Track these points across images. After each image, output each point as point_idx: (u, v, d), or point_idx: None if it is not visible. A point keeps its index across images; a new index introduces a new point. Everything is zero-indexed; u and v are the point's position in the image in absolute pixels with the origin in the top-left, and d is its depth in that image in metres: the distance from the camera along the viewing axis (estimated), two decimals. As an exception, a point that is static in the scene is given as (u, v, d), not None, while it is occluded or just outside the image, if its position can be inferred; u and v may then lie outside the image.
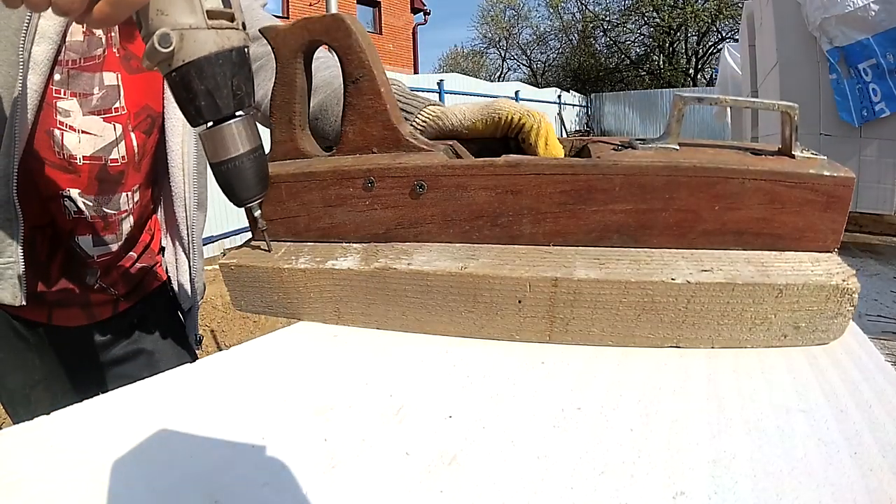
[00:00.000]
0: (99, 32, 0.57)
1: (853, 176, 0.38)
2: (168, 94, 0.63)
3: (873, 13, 2.01)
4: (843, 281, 0.36)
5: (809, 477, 0.25)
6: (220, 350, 1.00)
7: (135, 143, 0.62)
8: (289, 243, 0.48)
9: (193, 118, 0.37)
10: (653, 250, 0.40)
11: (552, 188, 0.40)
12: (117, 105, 0.59)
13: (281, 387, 0.36)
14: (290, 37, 0.45)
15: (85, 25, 0.55)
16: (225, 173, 0.39)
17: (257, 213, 0.44)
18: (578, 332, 0.39)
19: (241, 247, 0.51)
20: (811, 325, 0.37)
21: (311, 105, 0.50)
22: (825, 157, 0.40)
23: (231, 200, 0.41)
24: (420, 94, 0.55)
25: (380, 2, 12.50)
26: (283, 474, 0.27)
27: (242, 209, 0.44)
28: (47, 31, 0.52)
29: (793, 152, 0.40)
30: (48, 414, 0.33)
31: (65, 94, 0.56)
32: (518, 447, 0.29)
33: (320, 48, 0.48)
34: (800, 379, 0.34)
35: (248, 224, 0.51)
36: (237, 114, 0.38)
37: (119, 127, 0.60)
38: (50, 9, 0.33)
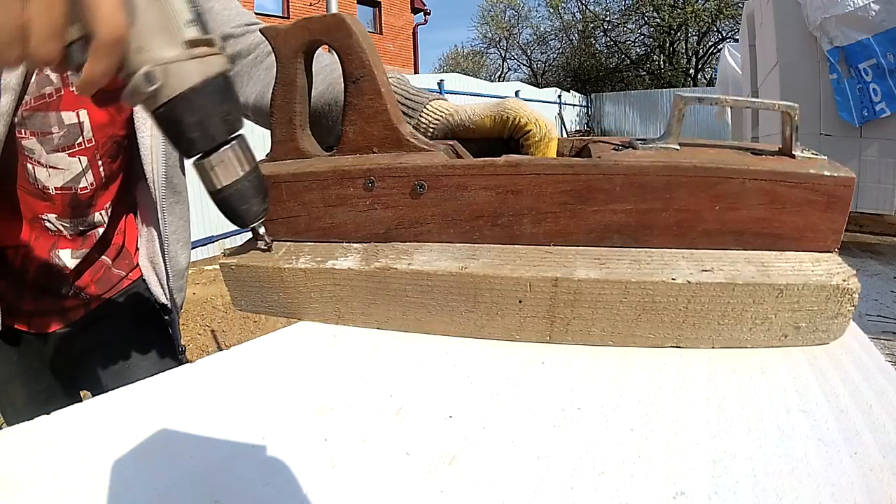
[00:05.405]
0: (49, 71, 0.58)
1: (853, 176, 0.38)
2: (136, 114, 0.64)
3: (873, 13, 2.02)
4: (844, 281, 0.36)
5: (809, 477, 0.25)
6: (220, 350, 1.00)
7: (102, 171, 0.65)
8: (289, 243, 0.48)
9: (187, 151, 0.36)
10: (653, 250, 0.40)
11: (553, 188, 0.40)
12: (80, 140, 0.62)
13: (281, 387, 0.36)
14: (290, 37, 0.45)
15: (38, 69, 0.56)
16: (226, 200, 0.38)
17: (262, 230, 0.44)
18: (579, 332, 0.39)
19: (241, 246, 0.50)
20: (811, 325, 0.37)
21: (311, 102, 0.50)
22: (826, 157, 0.40)
23: (236, 224, 0.41)
24: (423, 90, 0.54)
25: (380, 2, 12.50)
26: (283, 474, 0.27)
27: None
28: (9, 83, 0.54)
29: (793, 152, 0.40)
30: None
31: (26, 134, 0.59)
32: (518, 447, 0.29)
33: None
34: (800, 379, 0.34)
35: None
36: (230, 139, 0.37)
37: (85, 159, 0.63)
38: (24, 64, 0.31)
